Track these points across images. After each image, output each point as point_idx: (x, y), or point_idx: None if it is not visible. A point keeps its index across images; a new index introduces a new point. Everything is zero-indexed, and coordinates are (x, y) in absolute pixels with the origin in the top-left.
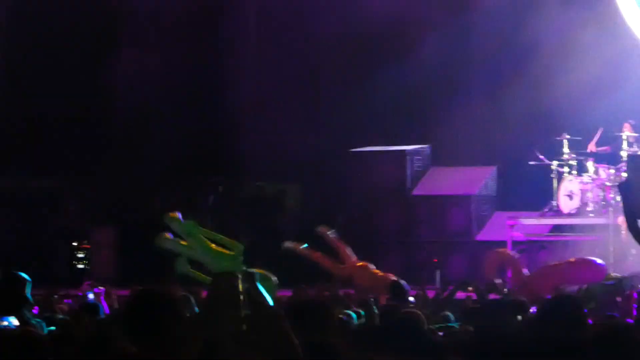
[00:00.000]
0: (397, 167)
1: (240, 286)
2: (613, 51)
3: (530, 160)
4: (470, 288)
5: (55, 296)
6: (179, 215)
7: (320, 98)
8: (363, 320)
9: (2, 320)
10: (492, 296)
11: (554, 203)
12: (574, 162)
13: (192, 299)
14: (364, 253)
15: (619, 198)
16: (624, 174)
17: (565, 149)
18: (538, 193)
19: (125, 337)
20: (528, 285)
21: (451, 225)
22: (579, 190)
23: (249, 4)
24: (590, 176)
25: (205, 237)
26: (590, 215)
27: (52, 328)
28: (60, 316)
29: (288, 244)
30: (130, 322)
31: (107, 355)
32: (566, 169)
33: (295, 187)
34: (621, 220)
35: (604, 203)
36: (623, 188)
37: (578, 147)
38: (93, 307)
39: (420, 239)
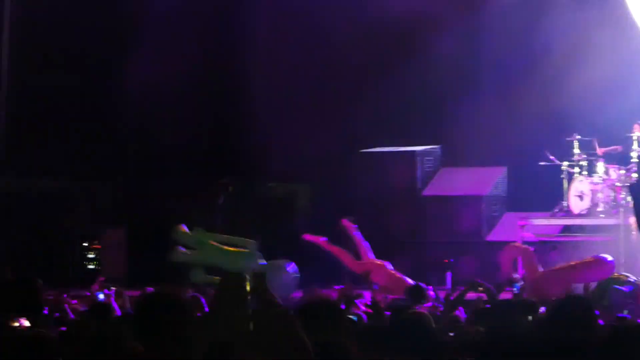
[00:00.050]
0: (408, 167)
1: (248, 286)
2: (624, 52)
3: (541, 161)
4: (480, 288)
5: (65, 295)
6: (184, 227)
7: (331, 99)
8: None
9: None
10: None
11: (565, 203)
12: (584, 163)
13: (203, 300)
14: (374, 254)
15: (629, 199)
16: (635, 175)
17: (576, 150)
18: (548, 194)
19: (135, 338)
20: (540, 283)
21: (461, 225)
22: (590, 190)
23: (261, 4)
24: (600, 177)
25: (216, 241)
26: (601, 215)
27: (63, 328)
28: (71, 316)
29: (308, 236)
30: (140, 323)
31: (117, 356)
32: (577, 170)
33: (306, 187)
34: (632, 220)
35: (614, 204)
36: (634, 189)
37: (589, 148)
38: (103, 307)
39: (430, 239)
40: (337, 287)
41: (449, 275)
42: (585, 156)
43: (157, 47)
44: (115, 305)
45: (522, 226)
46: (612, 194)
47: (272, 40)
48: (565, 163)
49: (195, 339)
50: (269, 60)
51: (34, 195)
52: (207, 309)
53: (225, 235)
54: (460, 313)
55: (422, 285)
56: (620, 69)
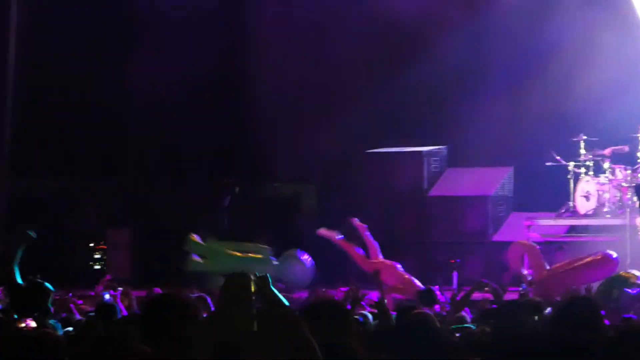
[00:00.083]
0: (414, 168)
1: (253, 287)
2: (631, 52)
3: (547, 161)
4: (486, 289)
5: (70, 294)
6: (197, 237)
7: (338, 99)
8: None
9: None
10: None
11: (571, 204)
12: (590, 163)
13: (209, 300)
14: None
15: (635, 199)
16: None
17: (582, 150)
18: (555, 194)
19: (141, 338)
20: (547, 283)
21: (467, 226)
22: (596, 191)
23: (268, 5)
24: (606, 177)
25: (230, 249)
26: (607, 216)
27: (69, 329)
28: (78, 317)
29: (322, 231)
30: (147, 323)
31: (123, 356)
32: (583, 170)
33: (312, 188)
34: (638, 220)
35: (620, 204)
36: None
37: (595, 148)
38: (109, 308)
39: (436, 239)
40: (343, 289)
41: (455, 275)
42: (591, 156)
43: (163, 48)
44: (121, 306)
45: (528, 226)
46: (619, 194)
47: (279, 40)
48: (572, 163)
49: (200, 340)
50: (276, 60)
51: (40, 196)
52: (213, 309)
53: (238, 243)
54: (466, 313)
55: (434, 289)
56: (626, 70)
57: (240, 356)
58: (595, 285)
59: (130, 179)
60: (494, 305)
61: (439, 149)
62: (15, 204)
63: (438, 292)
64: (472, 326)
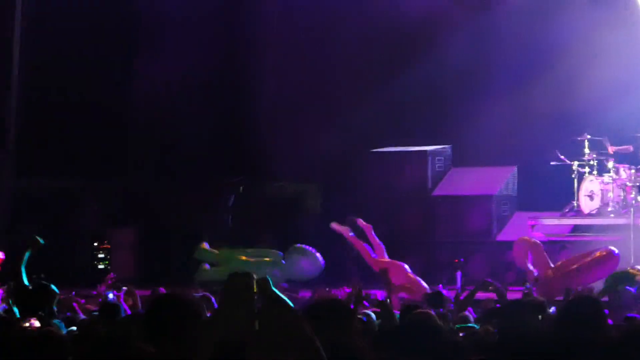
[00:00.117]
0: (418, 167)
1: (255, 286)
2: (634, 52)
3: (551, 161)
4: (490, 288)
5: (73, 293)
6: (206, 245)
7: (341, 98)
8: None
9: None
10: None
11: (575, 203)
12: (594, 163)
13: (213, 299)
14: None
15: (639, 198)
16: None
17: (586, 149)
18: (559, 193)
19: (145, 338)
20: (552, 283)
21: (471, 225)
22: (600, 190)
23: (268, 5)
24: (611, 176)
25: (240, 255)
26: (611, 215)
27: (73, 328)
28: (82, 316)
29: (335, 225)
30: (150, 323)
31: (127, 356)
32: (587, 169)
33: (316, 187)
34: None
35: (624, 203)
36: None
37: (599, 148)
38: (113, 307)
39: (440, 239)
40: (347, 289)
41: (459, 274)
42: (595, 156)
43: (164, 48)
44: (124, 305)
45: (532, 226)
46: (623, 193)
47: (282, 39)
48: (576, 163)
49: (204, 339)
50: (279, 59)
51: (41, 195)
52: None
53: (249, 249)
54: (469, 313)
55: (442, 291)
56: (630, 69)
57: (243, 356)
58: (597, 284)
59: (131, 178)
60: (498, 305)
61: (443, 148)
62: (16, 203)
63: (440, 289)
64: (475, 326)
